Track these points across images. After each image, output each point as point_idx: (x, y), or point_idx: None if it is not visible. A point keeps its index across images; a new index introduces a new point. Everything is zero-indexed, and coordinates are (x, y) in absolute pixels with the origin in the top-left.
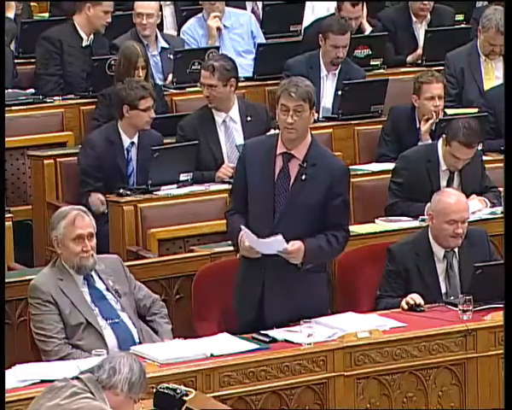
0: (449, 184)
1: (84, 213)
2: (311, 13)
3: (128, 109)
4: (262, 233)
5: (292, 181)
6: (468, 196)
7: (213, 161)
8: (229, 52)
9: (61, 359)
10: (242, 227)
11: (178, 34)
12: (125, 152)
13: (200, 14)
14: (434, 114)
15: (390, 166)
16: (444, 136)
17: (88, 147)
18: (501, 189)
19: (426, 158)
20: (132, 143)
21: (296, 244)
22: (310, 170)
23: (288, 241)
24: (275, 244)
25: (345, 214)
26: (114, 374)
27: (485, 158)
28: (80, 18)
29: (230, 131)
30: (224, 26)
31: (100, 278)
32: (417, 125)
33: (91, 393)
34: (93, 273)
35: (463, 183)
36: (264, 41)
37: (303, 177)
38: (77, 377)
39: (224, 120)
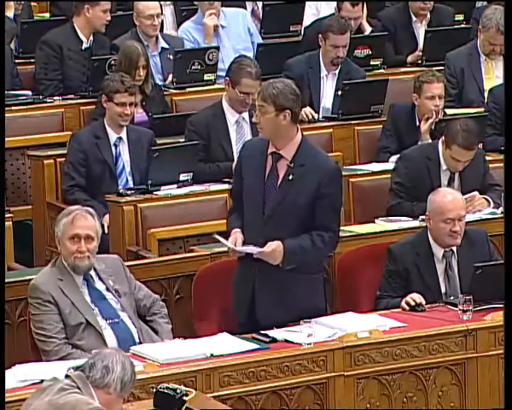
0: (450, 184)
1: (88, 214)
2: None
3: (106, 100)
4: (253, 232)
5: (279, 181)
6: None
7: (224, 157)
8: (228, 51)
9: (61, 359)
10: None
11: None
12: (113, 147)
13: (194, 17)
14: (434, 113)
15: (390, 166)
16: (443, 138)
17: (74, 142)
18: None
19: (426, 156)
20: (120, 138)
21: (273, 245)
22: (297, 170)
23: (274, 240)
24: (250, 250)
25: (332, 216)
26: (108, 373)
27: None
28: (79, 20)
29: (243, 132)
30: (221, 25)
31: (100, 277)
32: (417, 124)
33: (79, 388)
34: (93, 273)
35: (463, 182)
36: (259, 37)
37: (290, 177)
38: (66, 376)
39: (237, 120)
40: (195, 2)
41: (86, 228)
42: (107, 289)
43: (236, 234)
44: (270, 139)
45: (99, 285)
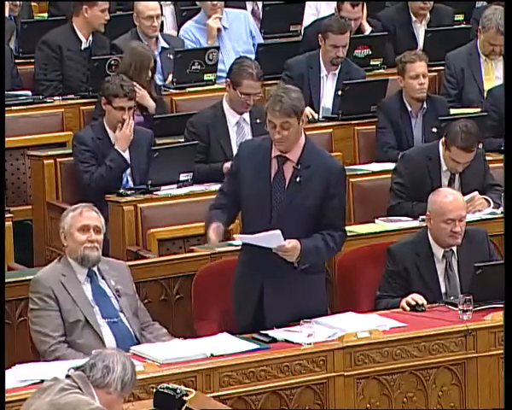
0: (450, 184)
1: (93, 210)
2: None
3: (105, 102)
4: None
5: (287, 183)
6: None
7: (224, 158)
8: (229, 53)
9: (56, 359)
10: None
11: (178, 34)
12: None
13: (196, 17)
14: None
15: (390, 166)
16: (443, 138)
17: (78, 143)
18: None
19: (426, 156)
20: None
21: (292, 242)
22: (304, 172)
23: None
24: (272, 239)
25: (341, 214)
26: (108, 373)
27: None
28: (78, 21)
29: (243, 133)
30: (223, 27)
31: (103, 277)
32: (408, 109)
33: (79, 388)
34: (96, 272)
35: (464, 182)
36: (261, 39)
37: (297, 179)
38: (67, 376)
39: (237, 122)
40: (198, 3)
41: (94, 219)
42: (109, 288)
43: (219, 228)
44: (285, 147)
45: (101, 284)
